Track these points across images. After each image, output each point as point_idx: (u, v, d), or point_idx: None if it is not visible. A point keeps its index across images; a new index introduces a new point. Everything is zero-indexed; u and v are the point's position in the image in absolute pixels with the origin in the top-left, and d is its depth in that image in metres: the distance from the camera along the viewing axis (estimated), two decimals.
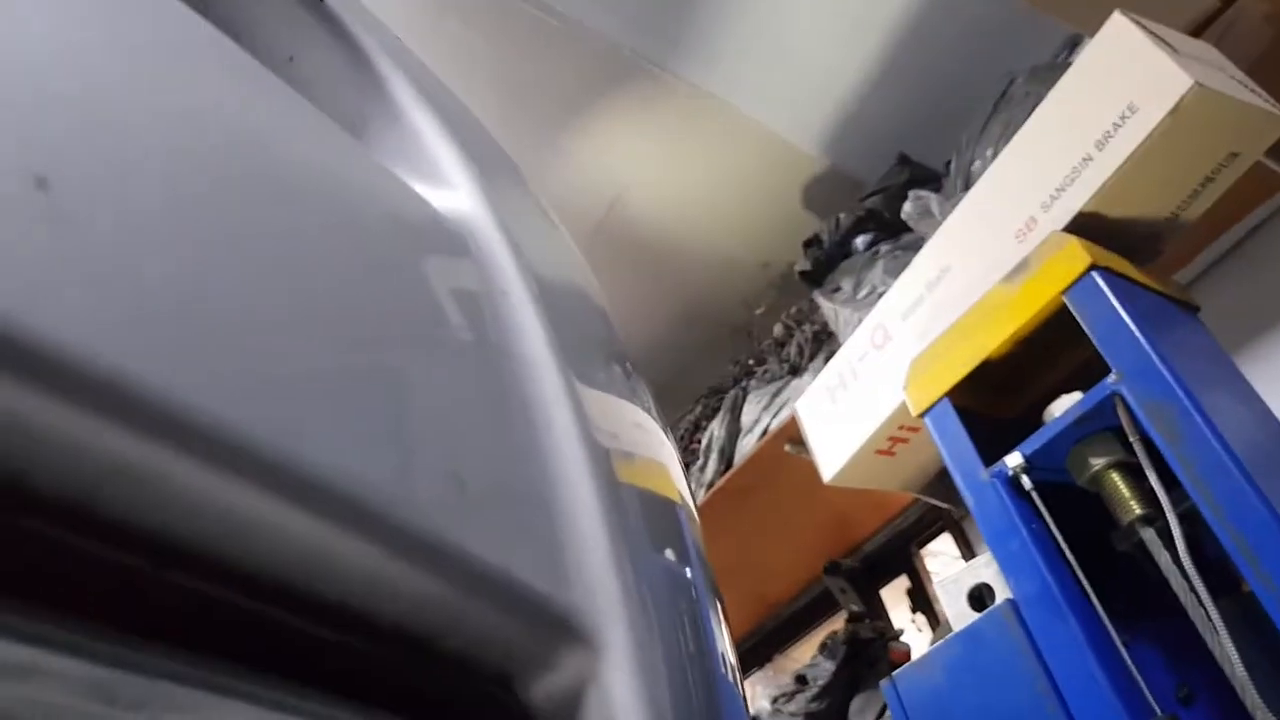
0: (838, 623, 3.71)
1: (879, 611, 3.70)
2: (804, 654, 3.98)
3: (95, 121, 0.32)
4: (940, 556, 3.57)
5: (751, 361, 3.60)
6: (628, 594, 0.41)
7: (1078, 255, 1.45)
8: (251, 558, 0.32)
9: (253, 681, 0.32)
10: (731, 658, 0.58)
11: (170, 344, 0.30)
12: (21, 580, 0.29)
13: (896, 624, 3.58)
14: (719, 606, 0.61)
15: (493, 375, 0.46)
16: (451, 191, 0.54)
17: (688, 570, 0.57)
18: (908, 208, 2.50)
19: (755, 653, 4.40)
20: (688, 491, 0.68)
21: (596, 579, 0.41)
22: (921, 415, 1.66)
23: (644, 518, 0.53)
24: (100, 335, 0.28)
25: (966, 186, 2.20)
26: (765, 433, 3.18)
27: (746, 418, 3.40)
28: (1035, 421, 1.51)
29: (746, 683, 4.40)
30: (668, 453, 0.67)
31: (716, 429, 3.51)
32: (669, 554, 0.55)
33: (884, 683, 1.74)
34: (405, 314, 0.43)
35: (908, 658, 3.27)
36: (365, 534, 0.34)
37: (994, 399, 1.67)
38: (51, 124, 0.30)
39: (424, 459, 0.38)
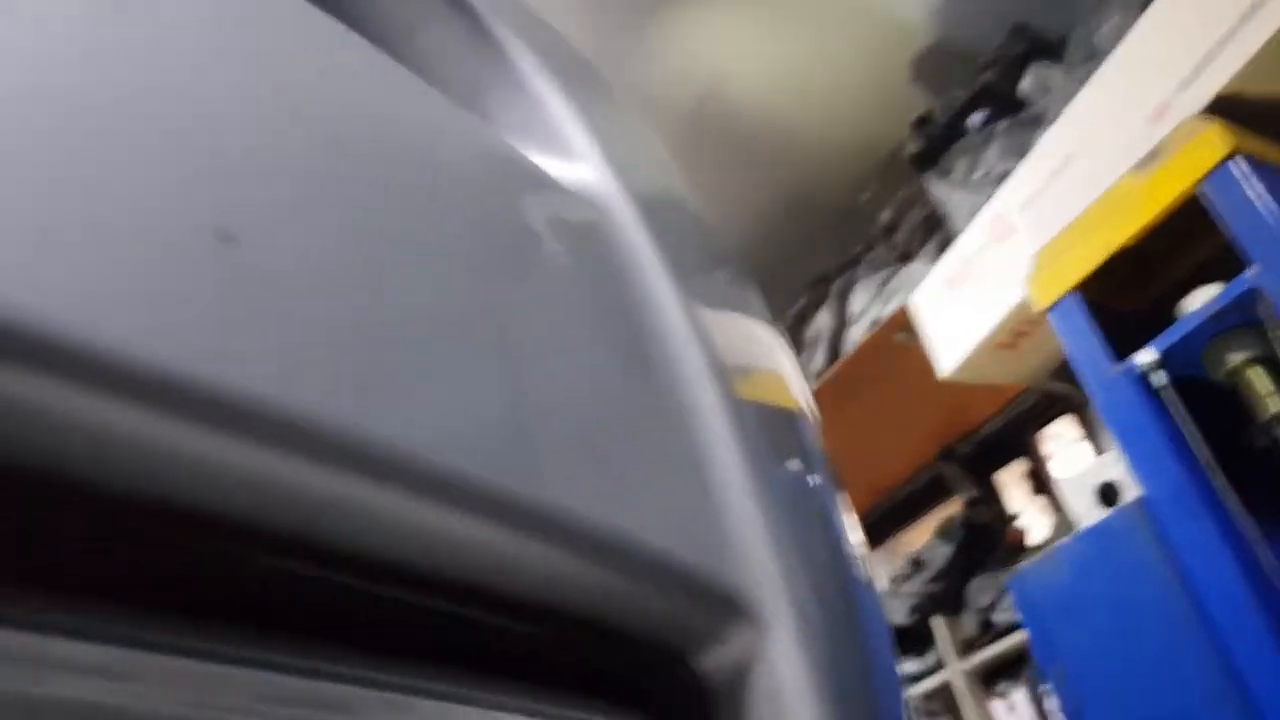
0: (951, 508, 3.72)
1: (995, 496, 3.68)
2: (916, 538, 4.01)
3: (271, 168, 0.33)
4: (1060, 439, 3.51)
5: (859, 249, 3.52)
6: (787, 568, 0.43)
7: (1216, 141, 1.36)
8: (454, 569, 0.34)
9: (451, 681, 0.35)
10: (862, 554, 0.60)
11: (353, 377, 0.32)
12: (244, 602, 0.32)
13: (1014, 507, 3.56)
14: (845, 500, 0.62)
15: (628, 348, 0.48)
16: (577, 163, 0.54)
17: (822, 490, 0.58)
18: (1026, 83, 2.37)
19: (870, 535, 4.45)
20: (810, 399, 0.69)
21: (755, 555, 0.43)
22: (1046, 311, 1.62)
23: (779, 449, 0.54)
24: (288, 379, 0.30)
25: (1090, 59, 2.07)
26: (875, 323, 3.14)
27: (854, 307, 3.36)
28: (1163, 315, 1.46)
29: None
30: (790, 365, 0.68)
31: (823, 320, 3.48)
32: (805, 475, 0.56)
33: (1009, 577, 1.75)
34: (543, 305, 0.44)
35: (1025, 541, 3.27)
36: (544, 537, 0.36)
37: (1119, 292, 1.61)
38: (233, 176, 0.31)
39: (581, 458, 0.39)
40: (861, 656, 0.48)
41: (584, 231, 0.50)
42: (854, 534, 0.60)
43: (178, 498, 0.28)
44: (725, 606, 0.40)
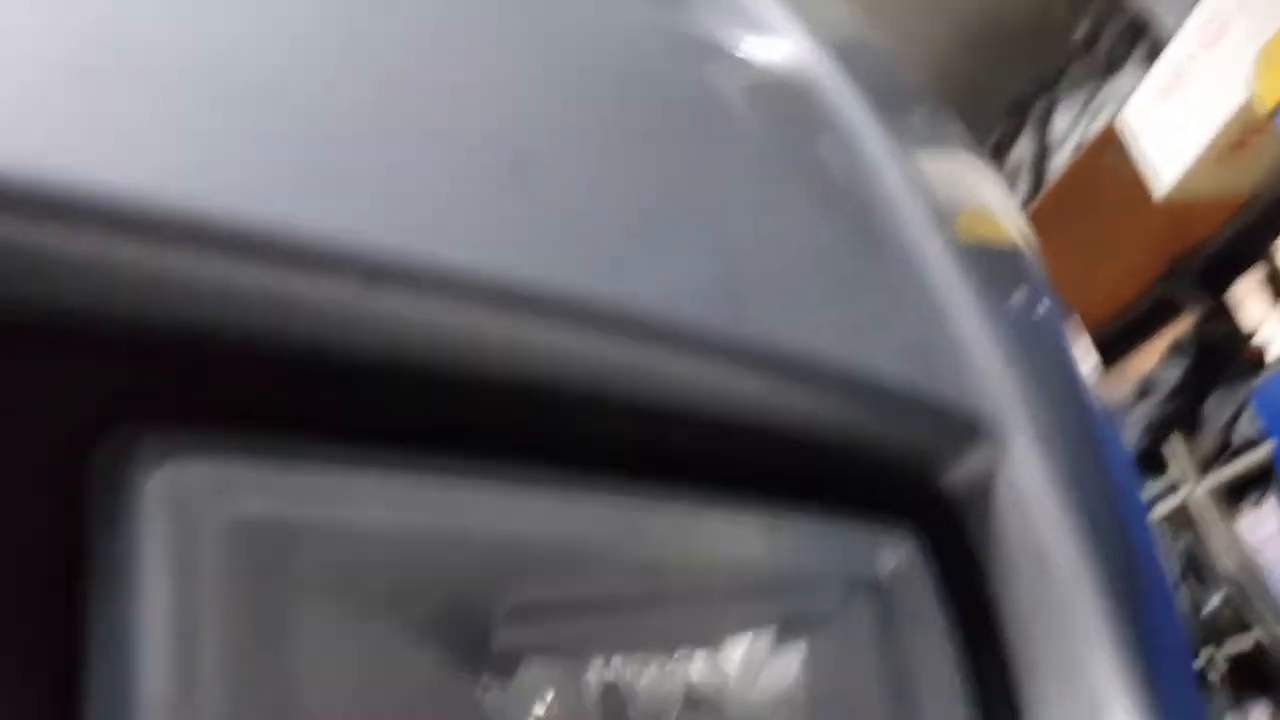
0: (1179, 329, 3.52)
1: (1227, 312, 3.44)
2: (1140, 365, 3.83)
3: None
4: None
5: (1055, 69, 3.29)
6: (1023, 389, 0.47)
7: None
8: (724, 413, 0.41)
9: (736, 504, 0.42)
10: (1094, 378, 0.63)
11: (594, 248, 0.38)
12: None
13: (1253, 320, 3.33)
14: (1074, 336, 0.65)
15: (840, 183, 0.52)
16: (773, 32, 0.58)
17: (1050, 318, 0.61)
18: None
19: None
20: (1027, 229, 0.71)
21: (991, 378, 0.47)
22: (1273, 112, 1.49)
23: (1004, 283, 0.57)
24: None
25: None
26: (1080, 145, 2.96)
27: (1056, 131, 3.17)
28: None
29: None
30: (1002, 198, 0.70)
31: (1024, 148, 3.30)
32: (1031, 305, 0.59)
33: (1241, 389, 1.68)
34: (770, 169, 0.49)
35: (1265, 356, 3.06)
36: (798, 380, 0.42)
37: None
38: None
39: (823, 305, 0.45)
40: (1101, 471, 0.52)
41: (791, 95, 0.54)
42: (1086, 359, 0.62)
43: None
44: (965, 427, 0.45)
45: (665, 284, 0.38)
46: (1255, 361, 3.05)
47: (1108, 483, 0.52)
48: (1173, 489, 3.25)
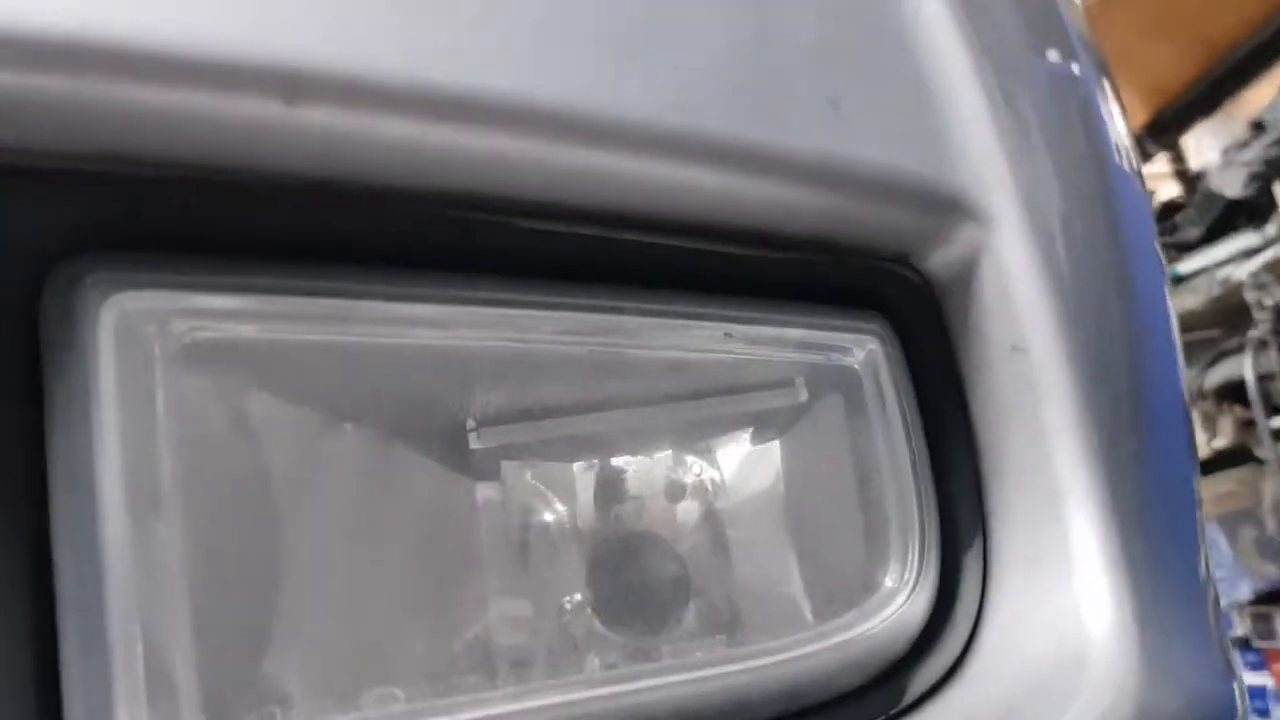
0: None
1: None
2: (1260, 97, 3.54)
3: None
4: None
5: None
6: (1014, 161, 0.44)
7: None
8: (680, 210, 0.40)
9: (705, 304, 0.42)
10: (1125, 142, 0.59)
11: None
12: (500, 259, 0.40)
13: None
14: (1106, 88, 0.60)
15: None
16: None
17: (1070, 79, 0.56)
18: None
19: (1200, 102, 3.98)
20: None
21: (981, 154, 0.44)
22: None
23: (1017, 36, 0.53)
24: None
25: None
26: None
27: None
28: None
29: (1191, 135, 4.04)
30: None
31: None
32: (1052, 64, 0.55)
33: None
34: None
35: None
36: (760, 171, 0.40)
37: None
38: None
39: (799, 89, 0.42)
40: (1109, 258, 0.49)
41: None
42: (1113, 126, 0.58)
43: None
44: (948, 208, 0.43)
45: (607, 80, 0.36)
46: None
47: (1116, 271, 0.49)
48: (1277, 239, 3.08)
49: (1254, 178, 3.14)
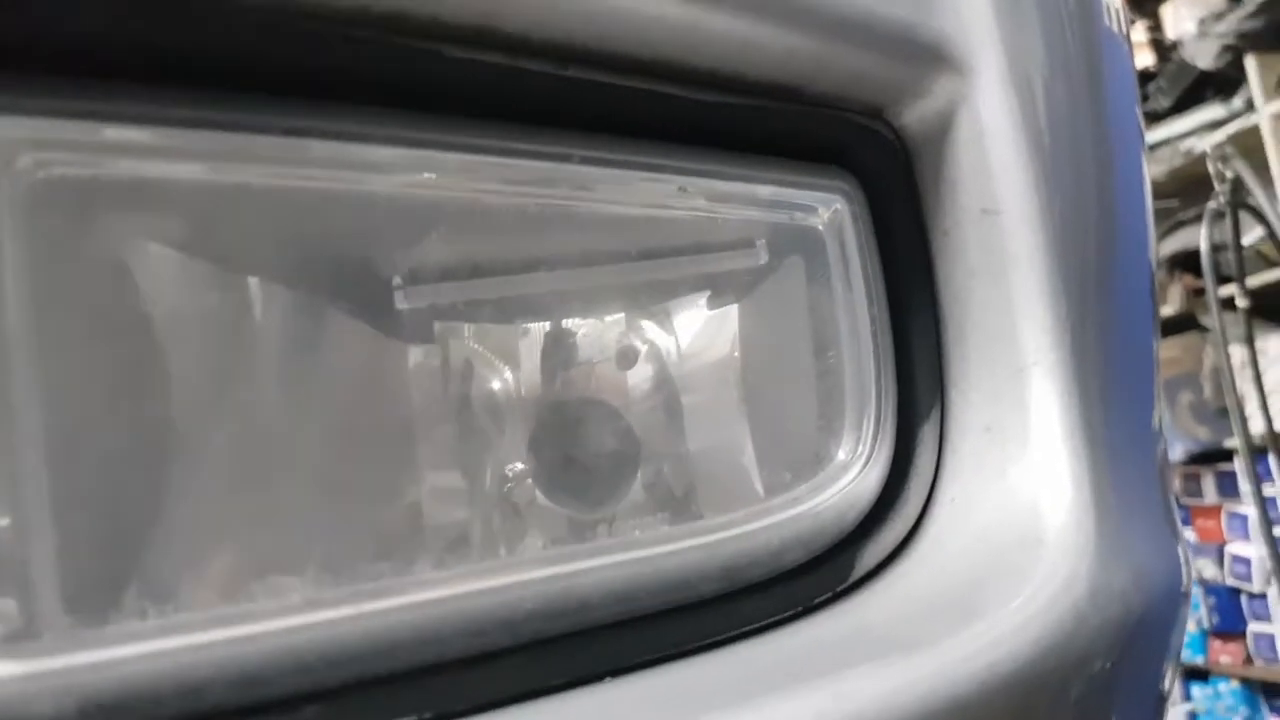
0: None
1: None
2: None
3: None
4: None
5: None
6: (999, 12, 0.40)
7: None
8: (632, 44, 0.36)
9: (658, 154, 0.38)
10: (1116, 2, 0.55)
11: None
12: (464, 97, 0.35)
13: None
14: None
15: None
16: None
17: None
18: None
19: None
20: None
21: (965, 1, 0.40)
22: None
23: None
24: None
25: None
26: None
27: None
28: None
29: (1169, 4, 3.95)
30: None
31: None
32: None
33: None
34: None
35: None
36: (720, 2, 0.36)
37: None
38: None
39: None
40: (1091, 119, 0.45)
41: None
42: None
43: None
44: (926, 57, 0.39)
45: None
46: None
47: (1096, 136, 0.46)
48: (1244, 111, 3.06)
49: (1226, 49, 3.09)
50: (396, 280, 0.38)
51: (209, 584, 0.31)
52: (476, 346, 0.43)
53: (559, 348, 0.45)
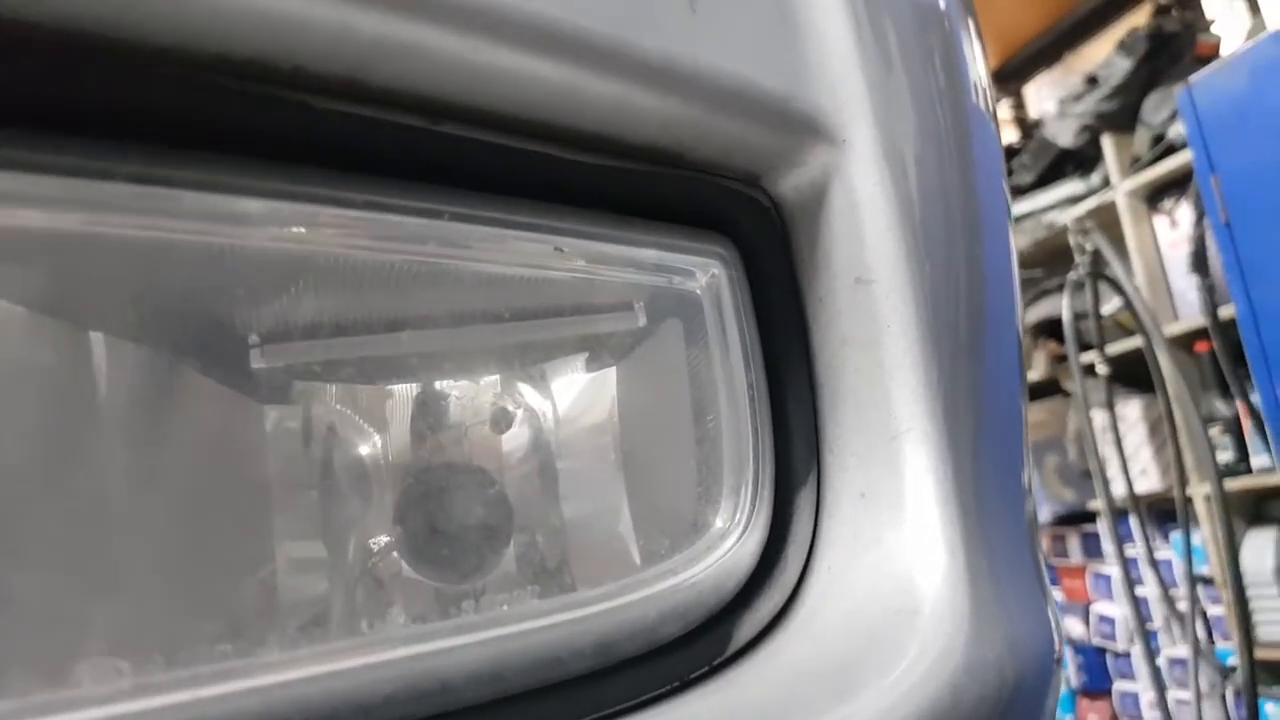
0: (1139, 18, 3.37)
1: (1191, 2, 3.28)
2: (1098, 53, 3.71)
3: None
4: None
5: None
6: (872, 87, 0.41)
7: None
8: (510, 104, 0.35)
9: (534, 213, 0.37)
10: (984, 82, 0.57)
11: None
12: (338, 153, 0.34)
13: (1211, 11, 3.19)
14: (971, 27, 0.58)
15: None
16: None
17: (934, 13, 0.54)
18: None
19: (1044, 54, 4.14)
20: None
21: (839, 75, 0.41)
22: None
23: None
24: None
25: None
26: None
27: None
28: None
29: (1033, 85, 4.22)
30: None
31: None
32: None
33: (1178, 88, 1.62)
34: None
35: (1217, 52, 2.96)
36: (604, 67, 0.35)
37: None
38: None
39: None
40: (961, 189, 0.47)
41: None
42: (974, 65, 0.56)
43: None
44: (802, 127, 0.40)
45: None
46: (1206, 58, 2.95)
47: (965, 208, 0.47)
48: (1101, 187, 3.27)
49: (1085, 129, 3.31)
50: (254, 338, 0.36)
51: (28, 665, 0.28)
52: (340, 409, 0.41)
53: (429, 410, 0.43)
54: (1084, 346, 2.76)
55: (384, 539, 0.41)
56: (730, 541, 0.38)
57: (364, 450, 0.42)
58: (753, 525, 0.39)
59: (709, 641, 0.37)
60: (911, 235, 0.41)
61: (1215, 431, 2.76)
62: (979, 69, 0.57)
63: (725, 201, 0.41)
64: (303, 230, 0.36)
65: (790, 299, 0.42)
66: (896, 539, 0.38)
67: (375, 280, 0.39)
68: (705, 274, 0.41)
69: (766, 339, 0.42)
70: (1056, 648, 0.45)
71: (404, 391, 0.43)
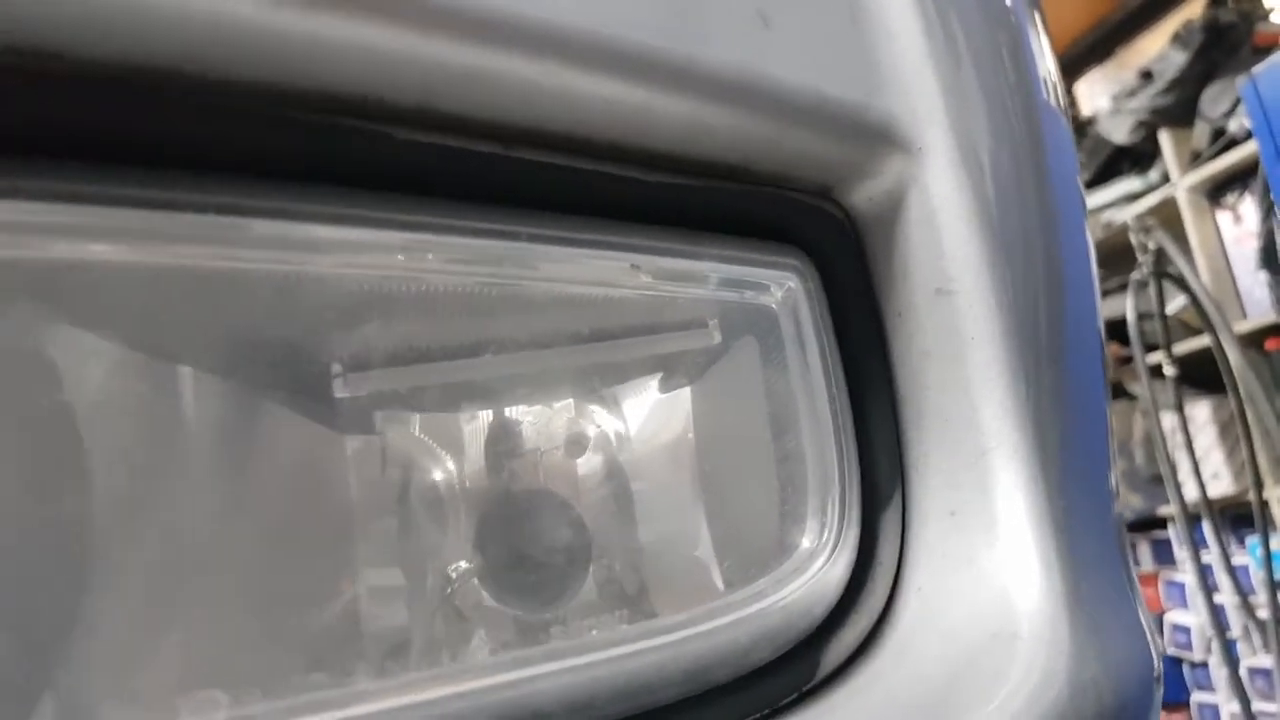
0: (1193, 9, 3.29)
1: None
2: (1151, 46, 3.64)
3: None
4: None
5: None
6: (946, 91, 0.40)
7: None
8: (581, 126, 0.35)
9: (608, 232, 0.37)
10: (1053, 77, 0.56)
11: None
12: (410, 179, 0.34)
13: (1268, 2, 3.10)
14: (1037, 21, 0.57)
15: None
16: None
17: (1002, 11, 0.53)
18: None
19: (1095, 50, 4.07)
20: None
21: (913, 81, 0.40)
22: None
23: None
24: None
25: None
26: None
27: None
28: None
29: (1084, 81, 4.13)
30: None
31: None
32: None
33: (1241, 79, 1.57)
34: None
35: (1277, 41, 2.88)
36: (674, 86, 0.35)
37: None
38: None
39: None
40: (1037, 193, 0.45)
41: None
42: (1042, 60, 0.54)
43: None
44: (876, 137, 0.39)
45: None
46: (1264, 50, 2.87)
47: (1042, 210, 0.46)
48: (1160, 183, 3.19)
49: (1140, 125, 3.23)
50: (335, 367, 0.36)
51: (130, 700, 0.28)
52: (419, 436, 0.41)
53: (505, 436, 0.43)
54: (1148, 348, 2.69)
55: (464, 566, 0.41)
56: (819, 563, 0.37)
57: (441, 477, 0.42)
58: (841, 546, 0.38)
59: (798, 667, 0.36)
60: (992, 241, 0.40)
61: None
62: (1048, 64, 0.56)
63: (798, 215, 0.41)
64: (379, 256, 0.36)
65: (868, 313, 0.41)
66: (989, 558, 0.37)
67: (452, 305, 0.39)
68: (780, 288, 0.40)
69: (845, 354, 0.41)
70: (1156, 665, 0.44)
71: (481, 417, 0.43)
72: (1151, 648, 0.44)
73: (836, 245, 0.41)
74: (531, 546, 0.41)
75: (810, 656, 0.37)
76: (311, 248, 0.33)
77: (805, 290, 0.40)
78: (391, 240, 0.35)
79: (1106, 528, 0.46)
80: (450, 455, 0.42)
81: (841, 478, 0.39)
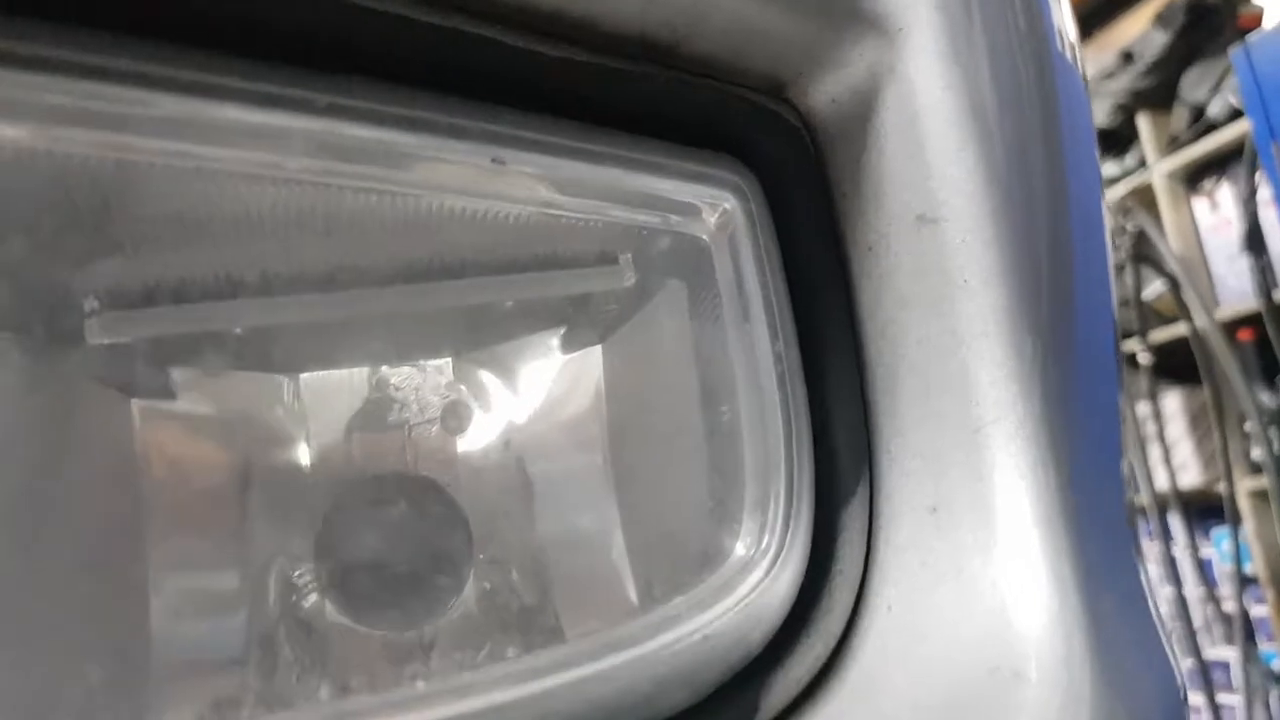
0: None
1: None
2: (1132, 28, 3.59)
3: None
4: None
5: None
6: None
7: None
8: None
9: (475, 115, 0.27)
10: (1070, 34, 0.46)
11: None
12: None
13: None
14: None
15: None
16: None
17: None
18: None
19: (1078, 28, 4.01)
20: None
21: None
22: None
23: None
24: None
25: None
26: None
27: None
28: None
29: None
30: None
31: None
32: None
33: (1234, 49, 1.49)
34: None
35: (1259, 23, 2.84)
36: None
37: None
38: None
39: None
40: (1041, 95, 0.36)
41: None
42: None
43: None
44: (842, 12, 0.29)
45: None
46: (1247, 30, 2.82)
47: (1049, 125, 0.36)
48: (1137, 168, 3.14)
49: (1119, 108, 3.18)
50: (90, 304, 0.26)
51: None
52: (240, 397, 0.31)
53: (363, 402, 0.33)
54: (1123, 335, 2.64)
55: (304, 577, 0.31)
56: (755, 576, 0.28)
57: (277, 455, 0.32)
58: (787, 552, 0.28)
59: (728, 714, 0.27)
60: (990, 156, 0.30)
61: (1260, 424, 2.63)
62: (1065, 16, 0.46)
63: (739, 117, 0.31)
64: (150, 139, 0.25)
65: (829, 246, 0.31)
66: (983, 569, 0.27)
67: (277, 214, 0.28)
68: (714, 212, 0.30)
69: (798, 301, 0.31)
70: (1183, 693, 0.35)
71: (328, 379, 0.33)
72: (1178, 676, 0.35)
73: (789, 158, 0.31)
74: (395, 548, 0.32)
75: (743, 700, 0.27)
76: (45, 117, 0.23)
77: (747, 215, 0.30)
78: (168, 121, 0.25)
79: (1121, 527, 0.37)
80: (289, 425, 0.32)
81: (789, 462, 0.29)
